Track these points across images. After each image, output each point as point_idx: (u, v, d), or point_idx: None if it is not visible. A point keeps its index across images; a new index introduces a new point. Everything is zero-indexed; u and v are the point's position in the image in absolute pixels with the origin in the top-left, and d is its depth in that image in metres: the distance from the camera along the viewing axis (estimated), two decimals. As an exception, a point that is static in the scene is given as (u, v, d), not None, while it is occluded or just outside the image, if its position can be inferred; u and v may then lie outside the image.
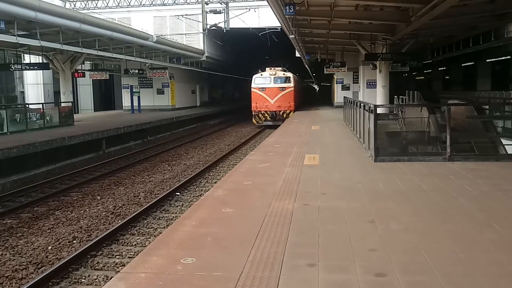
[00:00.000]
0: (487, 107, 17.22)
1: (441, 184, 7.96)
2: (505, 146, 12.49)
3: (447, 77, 44.88)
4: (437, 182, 8.08)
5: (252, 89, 30.56)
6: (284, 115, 29.44)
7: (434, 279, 4.05)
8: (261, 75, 30.71)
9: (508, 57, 29.72)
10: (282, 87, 30.04)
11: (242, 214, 6.31)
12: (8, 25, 17.53)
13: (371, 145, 10.59)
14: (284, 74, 30.72)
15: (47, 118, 21.88)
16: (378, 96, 23.71)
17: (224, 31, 38.53)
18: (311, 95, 65.26)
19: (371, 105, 10.90)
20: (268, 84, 30.17)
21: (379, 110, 11.01)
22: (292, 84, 30.26)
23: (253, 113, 30.56)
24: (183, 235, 5.47)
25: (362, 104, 13.26)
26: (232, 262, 4.52)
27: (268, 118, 29.94)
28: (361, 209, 6.42)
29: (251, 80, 31.08)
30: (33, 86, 35.44)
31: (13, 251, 8.44)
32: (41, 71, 32.29)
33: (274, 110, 29.85)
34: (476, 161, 9.95)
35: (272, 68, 30.74)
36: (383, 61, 22.89)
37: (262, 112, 30.07)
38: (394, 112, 19.16)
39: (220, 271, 4.34)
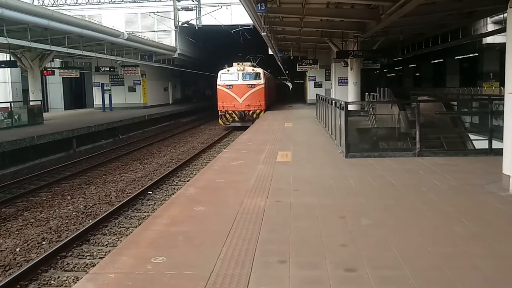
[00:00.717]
0: (455, 103, 17.58)
1: (411, 179, 8.08)
2: (472, 141, 12.76)
3: (417, 74, 45.67)
4: (407, 178, 8.21)
5: (218, 87, 27.83)
6: (254, 115, 27.03)
7: (403, 274, 4.11)
8: (228, 70, 27.95)
9: (476, 54, 30.42)
10: (252, 84, 27.38)
11: (214, 212, 6.28)
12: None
13: (343, 141, 10.69)
14: (253, 70, 28.03)
15: (15, 117, 21.37)
16: (350, 93, 23.97)
17: (196, 28, 38.30)
18: (284, 92, 65.47)
19: (342, 102, 10.99)
20: (236, 81, 27.51)
21: (350, 107, 11.14)
22: (262, 81, 27.57)
23: (219, 113, 27.98)
24: (154, 234, 5.41)
25: (333, 101, 13.36)
26: (203, 261, 4.49)
27: (236, 118, 27.39)
28: (332, 205, 6.47)
29: (217, 77, 28.43)
30: (1, 85, 34.56)
31: (-20, 253, 8.22)
32: (8, 69, 31.51)
33: (242, 109, 27.25)
34: (445, 156, 10.15)
35: (240, 63, 27.97)
36: (354, 58, 23.14)
37: (230, 112, 27.47)
38: (365, 108, 19.39)
39: (191, 270, 4.31)
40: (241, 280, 4.03)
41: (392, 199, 6.73)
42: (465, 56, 31.93)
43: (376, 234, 5.21)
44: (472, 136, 13.58)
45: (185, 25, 37.68)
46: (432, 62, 37.99)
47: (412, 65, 44.73)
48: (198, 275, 4.16)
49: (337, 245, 4.86)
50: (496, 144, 9.97)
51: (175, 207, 6.61)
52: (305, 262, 4.43)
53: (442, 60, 36.04)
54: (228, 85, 27.49)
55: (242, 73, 27.60)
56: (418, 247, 4.77)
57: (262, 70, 28.92)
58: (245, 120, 26.78)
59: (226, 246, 4.85)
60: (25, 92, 30.63)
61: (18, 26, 19.82)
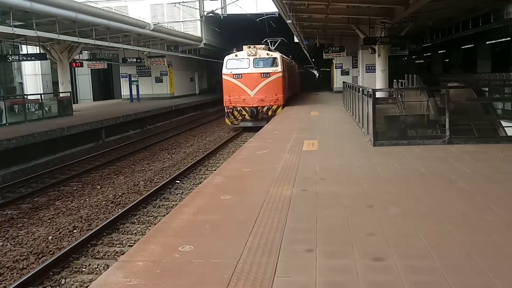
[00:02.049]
0: (486, 89, 17.15)
1: (440, 167, 7.93)
2: (505, 128, 12.44)
3: (447, 60, 44.64)
4: (436, 166, 8.06)
5: (223, 76, 22.36)
6: (270, 112, 21.87)
7: (432, 263, 4.04)
8: (236, 56, 22.46)
9: (508, 38, 29.52)
10: (266, 73, 21.85)
11: (240, 201, 6.30)
12: (4, 15, 17.42)
13: (370, 129, 10.55)
14: (268, 54, 22.46)
15: (46, 108, 21.82)
16: (377, 80, 23.61)
17: (222, 17, 38.27)
18: (311, 80, 65.02)
19: (370, 89, 10.84)
20: (246, 68, 21.94)
21: (378, 94, 10.97)
22: (280, 69, 22.04)
23: (225, 110, 22.61)
24: (181, 222, 5.46)
25: (360, 89, 13.19)
26: (230, 249, 4.51)
27: (246, 117, 22.10)
28: (360, 194, 6.41)
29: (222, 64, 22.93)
30: (32, 77, 35.31)
31: (14, 241, 8.46)
32: (39, 61, 32.17)
33: (254, 105, 21.86)
34: (476, 144, 9.92)
35: (252, 47, 22.33)
36: (382, 45, 22.75)
37: (238, 108, 22.04)
38: (393, 96, 19.09)
39: (218, 258, 4.33)
40: (268, 269, 4.04)
41: (421, 188, 6.62)
42: (497, 40, 31.02)
43: (404, 223, 5.14)
44: (504, 123, 13.24)
45: (211, 14, 37.70)
46: (462, 47, 37.06)
47: (442, 51, 43.74)
48: (225, 263, 4.18)
49: (365, 234, 4.81)
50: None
51: (202, 196, 6.66)
52: (332, 251, 4.41)
53: (472, 45, 35.11)
54: (236, 74, 21.98)
55: (254, 59, 22.06)
56: (448, 236, 4.68)
57: (280, 54, 23.56)
58: (258, 118, 21.76)
59: (253, 235, 4.86)
60: (55, 84, 31.21)
61: (47, 19, 20.17)
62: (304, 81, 48.13)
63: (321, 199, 6.19)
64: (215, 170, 11.88)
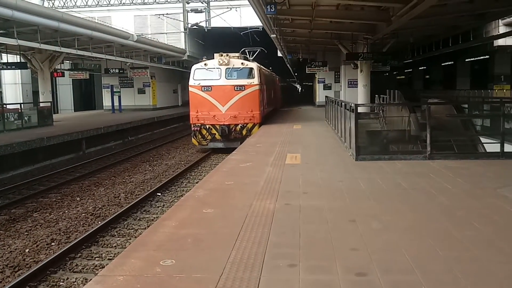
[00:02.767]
0: (466, 106, 17.45)
1: (421, 182, 7.99)
2: (484, 144, 12.65)
3: (428, 76, 45.42)
4: (417, 181, 8.12)
5: (189, 88, 19.32)
6: (244, 131, 19.01)
7: (415, 278, 4.04)
8: (205, 65, 19.30)
9: (487, 56, 30.18)
10: (240, 86, 18.95)
11: (223, 215, 6.25)
12: (-16, 23, 17.20)
13: (352, 144, 10.61)
14: (243, 64, 19.44)
15: (25, 118, 21.52)
16: (360, 95, 23.86)
17: (206, 30, 38.38)
18: (293, 94, 65.35)
19: (352, 104, 10.92)
20: (217, 80, 18.97)
21: (360, 109, 11.06)
22: (256, 81, 19.11)
23: (192, 128, 19.45)
24: (162, 236, 5.38)
25: (343, 103, 13.29)
26: (213, 264, 4.45)
27: (216, 136, 19.05)
28: (342, 208, 6.41)
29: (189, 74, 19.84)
30: (11, 86, 34.84)
31: (-11, 254, 8.25)
32: (19, 70, 31.77)
33: (226, 123, 18.89)
34: (456, 159, 10.03)
35: (224, 55, 19.30)
36: (364, 60, 23.05)
37: (207, 126, 18.97)
38: (375, 111, 19.29)
39: (200, 273, 4.27)
40: (250, 284, 3.99)
41: (402, 203, 6.65)
42: (476, 58, 31.68)
43: (387, 237, 5.15)
44: (483, 139, 13.46)
45: (195, 27, 37.78)
46: (442, 64, 37.75)
47: (422, 68, 44.49)
48: (207, 278, 4.13)
49: (348, 248, 4.80)
50: (508, 147, 9.86)
51: (184, 209, 6.59)
52: (315, 266, 4.38)
53: (452, 62, 35.80)
54: (205, 86, 18.97)
55: (226, 69, 19.01)
56: (430, 251, 4.69)
57: (257, 65, 20.54)
58: (230, 138, 18.92)
59: (236, 249, 4.81)
60: (35, 93, 30.86)
61: (28, 28, 19.98)
62: (286, 95, 47.74)
63: (304, 213, 6.17)
64: (197, 182, 11.82)
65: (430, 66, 41.72)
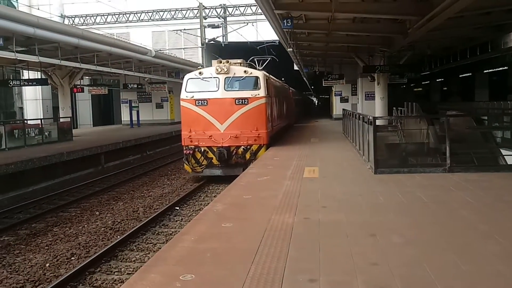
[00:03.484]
0: (485, 117, 17.24)
1: (442, 195, 7.90)
2: (505, 156, 12.46)
3: (445, 88, 45.03)
4: (438, 194, 8.03)
5: (181, 103, 16.04)
6: (248, 155, 15.53)
7: (438, 294, 3.98)
8: (200, 74, 16.06)
9: (505, 67, 29.84)
10: (243, 99, 15.57)
11: (241, 229, 6.24)
12: (7, 41, 17.59)
13: (371, 157, 10.55)
14: (246, 72, 16.03)
15: (46, 133, 21.84)
16: (377, 108, 23.75)
17: (223, 45, 38.70)
18: (309, 108, 65.30)
19: (370, 117, 10.88)
20: (214, 92, 15.64)
21: (378, 122, 11.00)
22: (262, 92, 15.74)
23: (184, 151, 16.08)
24: (182, 251, 5.39)
25: (361, 116, 13.24)
26: (232, 278, 4.44)
27: (214, 161, 15.70)
28: (362, 222, 6.36)
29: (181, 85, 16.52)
30: (32, 102, 35.50)
31: (11, 268, 8.34)
32: (39, 86, 32.39)
33: (225, 145, 15.49)
34: (477, 172, 9.90)
35: (224, 61, 16.08)
36: (381, 73, 22.97)
37: (202, 149, 15.67)
38: (393, 123, 19.17)
39: (220, 288, 4.26)
40: (270, 299, 3.97)
41: (423, 217, 6.57)
42: (495, 69, 31.35)
43: (408, 252, 5.08)
44: (504, 151, 13.26)
45: (212, 42, 38.13)
46: (460, 76, 37.42)
47: (440, 80, 44.15)
48: (227, 293, 4.12)
49: (369, 263, 4.75)
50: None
51: (203, 224, 6.60)
52: (336, 281, 4.35)
53: (470, 74, 35.47)
54: (199, 100, 15.59)
55: (225, 78, 15.71)
56: (452, 266, 4.62)
57: (264, 73, 17.05)
58: (230, 164, 15.61)
59: (255, 264, 4.80)
60: (55, 109, 31.38)
61: (49, 45, 20.38)
62: (302, 109, 46.48)
63: (324, 227, 6.13)
64: (215, 196, 11.84)
65: (448, 78, 41.38)
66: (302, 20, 17.05)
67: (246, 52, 40.44)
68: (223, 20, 38.03)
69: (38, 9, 31.28)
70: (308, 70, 35.26)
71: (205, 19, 37.81)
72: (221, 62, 15.83)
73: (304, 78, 43.82)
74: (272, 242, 5.52)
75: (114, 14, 39.53)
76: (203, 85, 15.76)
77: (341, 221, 6.42)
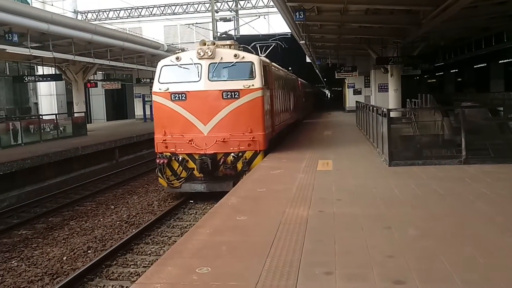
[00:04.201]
0: (501, 108, 17.01)
1: (457, 187, 7.84)
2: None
3: (460, 80, 44.56)
4: (453, 186, 7.97)
5: (153, 97, 12.84)
6: (239, 165, 12.24)
7: (455, 286, 3.96)
8: (177, 59, 12.58)
9: (522, 57, 29.43)
10: (232, 92, 12.19)
11: (256, 222, 6.26)
12: (21, 37, 17.75)
13: (385, 149, 10.49)
14: (237, 56, 12.42)
15: (61, 128, 22.05)
16: (390, 100, 23.59)
17: (235, 38, 38.61)
18: (322, 100, 65.00)
19: (384, 109, 10.81)
20: (195, 83, 12.27)
21: (392, 114, 10.91)
22: (258, 83, 12.35)
23: (157, 160, 12.66)
24: (197, 244, 5.42)
25: (374, 108, 13.16)
26: (248, 271, 4.46)
27: (195, 173, 12.32)
28: (377, 215, 6.33)
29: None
30: (47, 97, 35.80)
31: (29, 261, 8.46)
32: (54, 82, 32.61)
33: (210, 152, 12.12)
34: (493, 164, 9.81)
35: (209, 42, 12.69)
36: (394, 64, 22.79)
37: (179, 157, 12.32)
38: (407, 115, 19.01)
39: (236, 281, 4.29)
40: (286, 292, 3.98)
41: (438, 209, 6.53)
42: (510, 60, 30.92)
43: (424, 244, 5.06)
44: (520, 143, 13.07)
45: (224, 35, 38.07)
46: (475, 67, 37.00)
47: (454, 70, 43.69)
48: (243, 286, 4.14)
49: (384, 256, 4.74)
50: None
51: (218, 217, 6.63)
52: (351, 273, 4.34)
53: (485, 64, 35.04)
54: (176, 93, 12.27)
55: (210, 65, 12.24)
56: (469, 259, 4.59)
57: (262, 58, 13.56)
58: (217, 177, 12.25)
59: (270, 257, 4.81)
60: (70, 104, 31.62)
61: (63, 40, 20.54)
62: (314, 102, 45.16)
63: (338, 220, 6.13)
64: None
65: (462, 69, 40.93)
66: (315, 12, 16.96)
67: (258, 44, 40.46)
68: (234, 13, 37.94)
69: (52, 5, 31.51)
70: (320, 62, 35.10)
71: (217, 12, 37.71)
72: (204, 43, 12.34)
73: (317, 71, 43.62)
74: (287, 235, 5.53)
75: (127, 9, 39.63)
76: (181, 73, 12.35)
77: (356, 214, 6.41)
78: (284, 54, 40.02)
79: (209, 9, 38.14)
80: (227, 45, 13.24)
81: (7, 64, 26.67)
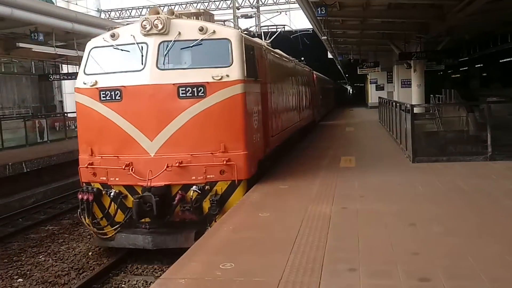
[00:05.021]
0: (528, 103, 16.65)
1: (483, 184, 7.71)
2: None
3: (485, 74, 43.75)
4: (479, 183, 7.84)
5: (75, 96, 8.54)
6: (206, 204, 7.62)
7: (482, 284, 3.90)
8: (113, 37, 8.10)
9: (550, 51, 28.76)
10: (194, 87, 7.63)
11: (279, 218, 6.26)
12: (47, 36, 18.05)
13: (409, 145, 10.38)
14: (203, 31, 7.82)
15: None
16: (414, 96, 23.27)
17: (256, 35, 38.63)
18: (343, 96, 64.50)
19: (408, 105, 10.69)
20: (137, 72, 7.78)
21: (415, 110, 10.79)
22: (237, 71, 7.79)
23: (79, 194, 8.29)
24: (221, 240, 5.46)
25: (398, 104, 13.02)
26: (271, 267, 4.47)
27: (135, 217, 7.55)
28: (401, 211, 6.27)
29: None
30: (71, 95, 36.25)
31: (55, 256, 8.63)
32: (78, 80, 33.06)
33: (158, 183, 7.52)
34: (520, 160, 9.61)
35: (158, 11, 8.01)
36: (417, 60, 22.47)
37: (112, 192, 7.84)
38: (431, 111, 18.76)
39: (260, 277, 4.30)
40: (310, 288, 3.98)
41: (465, 206, 6.44)
42: (538, 54, 30.25)
43: (450, 242, 4.99)
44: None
45: (245, 32, 38.10)
46: (500, 61, 36.26)
47: (479, 65, 42.91)
48: (267, 282, 4.15)
49: (409, 253, 4.69)
50: None
51: (240, 213, 6.65)
52: (376, 270, 4.32)
53: (511, 59, 34.32)
54: (106, 89, 7.92)
55: (161, 44, 7.86)
56: (496, 256, 4.52)
57: (243, 35, 8.56)
58: (170, 223, 7.77)
59: (294, 253, 4.81)
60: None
61: (87, 39, 20.76)
62: (334, 99, 42.09)
63: (362, 217, 6.09)
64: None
65: (487, 64, 40.16)
66: (336, 7, 16.83)
67: (279, 41, 40.33)
68: (256, 10, 37.91)
69: (76, 4, 31.93)
70: (342, 58, 34.84)
71: (238, 9, 37.75)
72: (157, 12, 8.05)
73: (339, 67, 43.31)
74: (310, 232, 5.52)
75: (149, 7, 39.95)
76: (118, 59, 8.19)
77: (379, 210, 6.36)
78: (305, 50, 39.87)
79: (230, 6, 38.22)
80: (191, 13, 9.06)
81: (32, 63, 27.11)
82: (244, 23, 37.37)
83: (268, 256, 4.83)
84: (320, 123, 23.03)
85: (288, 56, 14.99)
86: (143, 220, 7.69)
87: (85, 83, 8.10)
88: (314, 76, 21.76)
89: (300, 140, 15.51)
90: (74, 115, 23.20)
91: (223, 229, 5.90)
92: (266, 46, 11.01)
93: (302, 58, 20.00)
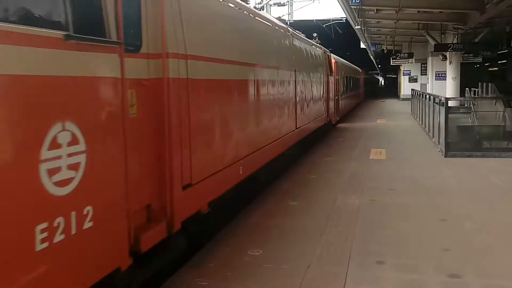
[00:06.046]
0: None
1: (519, 182, 7.52)
2: None
3: (524, 68, 42.38)
4: (514, 180, 7.65)
5: None
6: None
7: (514, 283, 3.83)
8: None
9: None
10: None
11: (308, 208, 6.25)
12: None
13: (442, 139, 10.19)
14: None
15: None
16: (448, 89, 22.81)
17: (288, 23, 38.34)
18: (375, 87, 63.58)
19: (442, 98, 10.47)
20: None
21: (450, 103, 10.56)
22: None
23: None
24: (249, 226, 5.48)
25: (432, 97, 12.77)
26: (299, 256, 4.48)
27: None
28: (431, 206, 6.18)
29: None
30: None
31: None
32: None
33: None
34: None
35: None
36: (453, 51, 21.97)
37: None
38: (466, 105, 18.36)
39: (287, 264, 4.31)
40: (337, 278, 3.98)
41: (499, 203, 6.29)
42: None
43: (482, 239, 4.90)
44: None
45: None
46: (542, 55, 35.03)
47: (519, 59, 41.55)
48: (294, 270, 4.16)
49: (439, 248, 4.63)
50: None
51: (270, 201, 6.66)
52: (404, 264, 4.27)
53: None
54: None
55: None
56: (530, 256, 4.41)
57: None
58: None
59: (322, 243, 4.81)
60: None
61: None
62: (365, 89, 39.40)
63: (391, 210, 6.03)
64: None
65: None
66: (372, -4, 16.58)
67: (311, 30, 39.96)
68: (289, -3, 37.60)
69: None
70: (375, 48, 34.37)
71: (271, -3, 37.55)
72: None
73: (371, 57, 42.70)
74: (339, 223, 5.50)
75: None
76: None
77: (409, 204, 6.28)
78: (338, 39, 39.42)
79: (263, -7, 37.97)
80: None
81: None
82: (276, 11, 37.21)
83: (296, 244, 4.83)
84: (339, 125, 17.63)
85: (278, 22, 9.75)
86: None
87: None
88: (333, 61, 16.37)
89: (299, 152, 10.46)
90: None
91: (253, 215, 5.93)
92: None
93: (315, 34, 16.02)
